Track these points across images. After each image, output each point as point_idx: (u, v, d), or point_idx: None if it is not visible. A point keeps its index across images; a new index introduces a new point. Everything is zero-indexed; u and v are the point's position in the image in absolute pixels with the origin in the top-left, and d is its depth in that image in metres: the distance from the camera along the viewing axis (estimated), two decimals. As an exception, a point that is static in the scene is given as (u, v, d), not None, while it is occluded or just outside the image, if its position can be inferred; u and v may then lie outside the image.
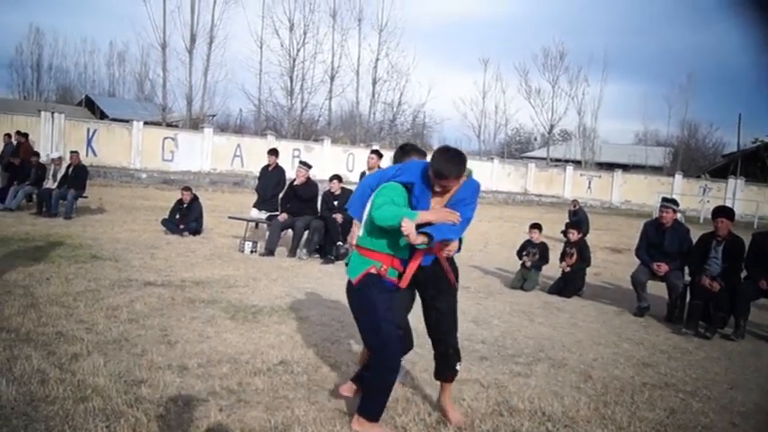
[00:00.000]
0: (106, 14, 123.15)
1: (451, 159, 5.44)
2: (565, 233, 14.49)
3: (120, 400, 5.79)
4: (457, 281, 5.98)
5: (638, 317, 11.61)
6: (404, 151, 6.30)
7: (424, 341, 6.37)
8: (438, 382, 6.12)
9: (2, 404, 5.53)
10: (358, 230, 5.82)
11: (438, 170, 5.37)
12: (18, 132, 24.62)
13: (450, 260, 5.90)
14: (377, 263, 5.59)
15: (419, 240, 5.19)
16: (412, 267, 5.63)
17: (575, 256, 13.30)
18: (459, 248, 5.86)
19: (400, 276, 5.67)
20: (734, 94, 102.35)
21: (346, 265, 5.93)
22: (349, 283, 5.78)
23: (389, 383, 5.62)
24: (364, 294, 5.64)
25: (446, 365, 5.98)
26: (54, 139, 35.39)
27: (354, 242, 5.87)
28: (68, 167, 19.89)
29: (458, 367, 6.01)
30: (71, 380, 6.19)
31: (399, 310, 5.93)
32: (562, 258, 13.58)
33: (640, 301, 11.85)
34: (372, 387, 5.63)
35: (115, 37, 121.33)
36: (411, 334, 6.31)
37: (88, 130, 37.57)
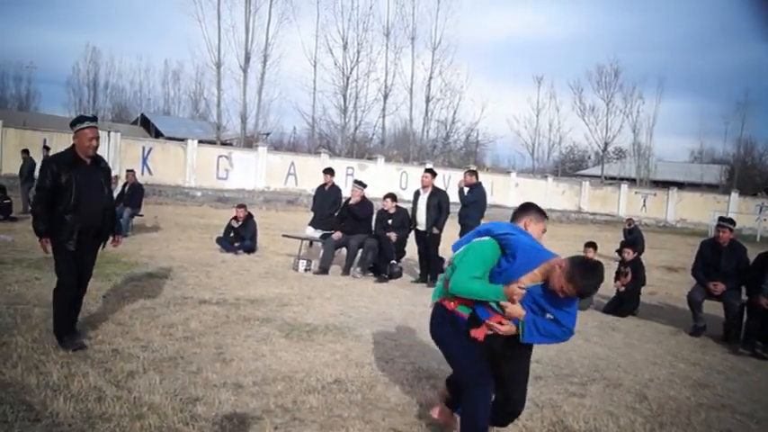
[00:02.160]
0: (162, 34, 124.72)
1: (596, 277, 5.04)
2: (620, 252, 14.37)
3: (175, 418, 5.85)
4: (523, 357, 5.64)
5: (695, 336, 11.50)
6: (523, 209, 5.83)
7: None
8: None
9: (59, 421, 5.62)
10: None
11: (582, 291, 5.00)
12: (44, 147, 25.27)
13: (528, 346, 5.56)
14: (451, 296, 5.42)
15: (518, 314, 5.11)
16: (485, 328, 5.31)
17: (629, 276, 13.20)
18: (524, 335, 5.22)
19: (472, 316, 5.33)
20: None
21: None
22: None
23: (478, 423, 5.31)
24: (435, 327, 5.62)
25: (504, 418, 5.79)
26: (110, 157, 35.69)
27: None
28: (125, 186, 20.17)
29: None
30: (127, 397, 6.26)
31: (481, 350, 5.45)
32: (617, 278, 13.48)
33: (696, 321, 11.74)
34: (463, 424, 5.41)
35: (170, 56, 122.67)
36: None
37: (143, 149, 37.89)
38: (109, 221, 8.22)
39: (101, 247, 8.31)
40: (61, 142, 32.26)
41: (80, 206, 7.63)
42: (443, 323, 5.51)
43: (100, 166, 8.07)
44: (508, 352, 5.40)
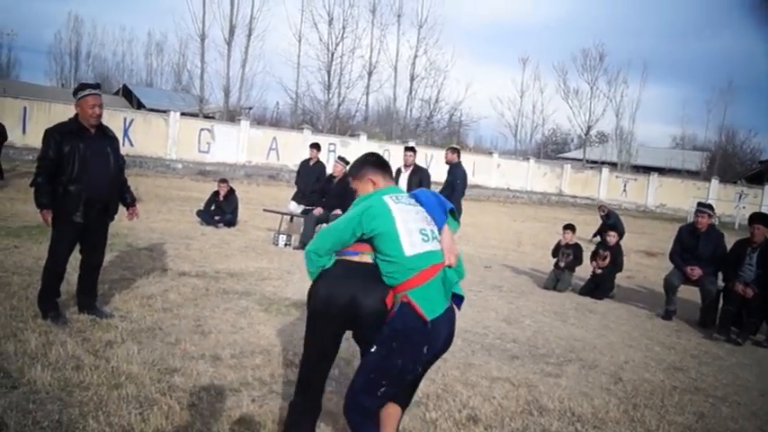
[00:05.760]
0: (145, 4, 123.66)
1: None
2: (601, 234, 14.38)
3: (153, 388, 5.87)
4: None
5: (666, 320, 11.64)
6: (379, 165, 5.26)
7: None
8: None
9: (37, 389, 5.63)
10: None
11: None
12: None
13: None
14: None
15: None
16: None
17: (608, 259, 13.24)
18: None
19: None
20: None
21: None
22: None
23: None
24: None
25: None
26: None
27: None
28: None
29: None
30: (105, 366, 6.27)
31: None
32: (593, 258, 13.52)
33: (668, 305, 11.87)
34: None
35: (154, 27, 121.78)
36: None
37: (125, 120, 37.54)
38: (116, 193, 8.12)
39: (112, 220, 8.24)
40: (41, 111, 32.20)
41: (84, 176, 7.48)
42: None
43: (107, 135, 7.91)
44: None
